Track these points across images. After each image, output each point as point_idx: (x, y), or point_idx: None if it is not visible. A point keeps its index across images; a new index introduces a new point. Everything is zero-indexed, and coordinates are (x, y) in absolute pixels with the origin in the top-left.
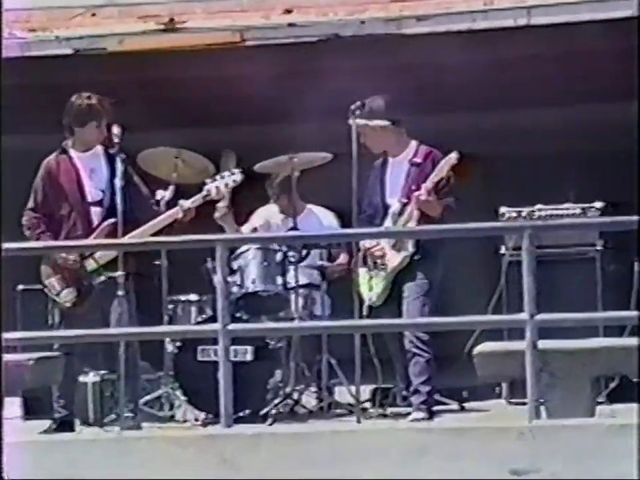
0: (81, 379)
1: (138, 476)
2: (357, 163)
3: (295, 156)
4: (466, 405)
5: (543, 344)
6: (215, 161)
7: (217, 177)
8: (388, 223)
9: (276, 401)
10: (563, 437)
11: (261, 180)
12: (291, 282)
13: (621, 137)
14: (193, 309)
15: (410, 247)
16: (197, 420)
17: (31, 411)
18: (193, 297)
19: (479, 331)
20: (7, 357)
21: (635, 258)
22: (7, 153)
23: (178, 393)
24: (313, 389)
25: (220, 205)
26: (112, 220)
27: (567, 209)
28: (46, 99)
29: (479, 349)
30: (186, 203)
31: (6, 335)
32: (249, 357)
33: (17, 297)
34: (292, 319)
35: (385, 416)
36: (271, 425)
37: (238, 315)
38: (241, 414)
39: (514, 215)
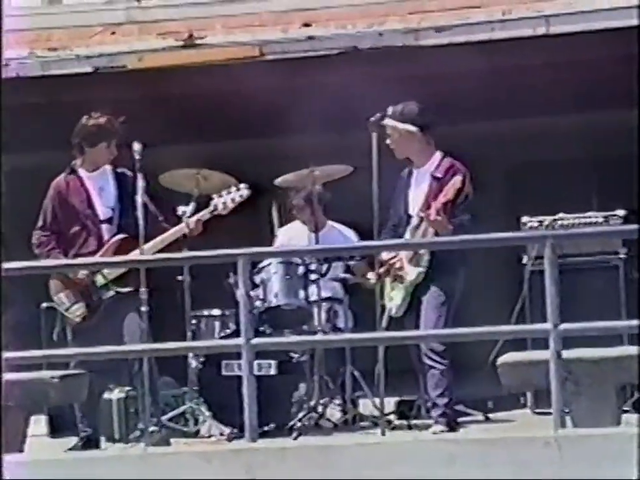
0: (106, 395)
1: None
2: (377, 175)
3: (316, 169)
4: (491, 415)
5: (567, 353)
6: (235, 175)
7: (224, 192)
8: (407, 235)
9: (300, 415)
10: (589, 446)
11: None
12: (314, 295)
13: None
14: (216, 324)
15: (424, 262)
16: (222, 435)
17: (56, 428)
18: (216, 311)
19: (503, 341)
20: (31, 374)
21: None
22: (28, 171)
23: (202, 408)
24: (337, 401)
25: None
26: (120, 236)
27: (589, 217)
28: (66, 117)
29: (503, 359)
30: (192, 218)
31: (33, 353)
32: (272, 371)
33: (41, 315)
34: (315, 332)
35: (409, 428)
36: (295, 438)
37: (261, 329)
38: (265, 428)
39: (536, 224)
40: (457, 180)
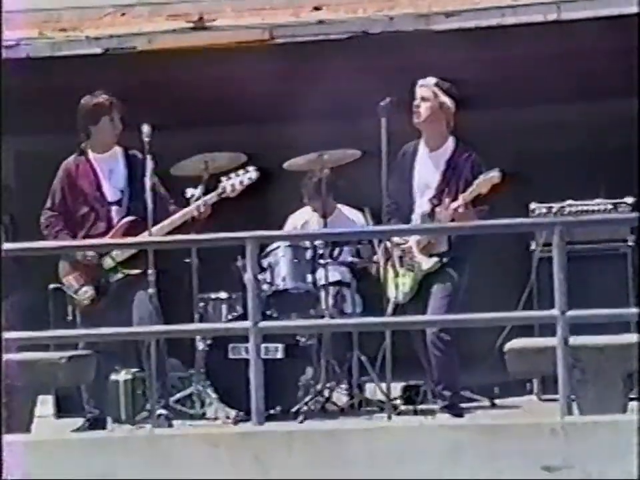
0: (113, 377)
1: (170, 474)
2: (387, 160)
3: (325, 153)
4: (497, 401)
5: (574, 340)
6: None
7: (232, 175)
8: (416, 221)
9: (307, 399)
10: (596, 434)
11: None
12: (321, 279)
13: None
14: (224, 307)
15: (442, 248)
16: (228, 418)
17: (63, 409)
18: (223, 294)
19: (510, 327)
20: (39, 355)
21: None
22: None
23: (209, 390)
24: (344, 386)
25: None
26: (129, 218)
27: (598, 204)
28: (76, 99)
29: (510, 345)
30: (200, 201)
31: (43, 333)
32: (279, 355)
33: (49, 296)
34: (322, 317)
35: (415, 413)
36: (302, 422)
37: (268, 312)
38: (272, 411)
39: (544, 210)
40: (495, 175)
